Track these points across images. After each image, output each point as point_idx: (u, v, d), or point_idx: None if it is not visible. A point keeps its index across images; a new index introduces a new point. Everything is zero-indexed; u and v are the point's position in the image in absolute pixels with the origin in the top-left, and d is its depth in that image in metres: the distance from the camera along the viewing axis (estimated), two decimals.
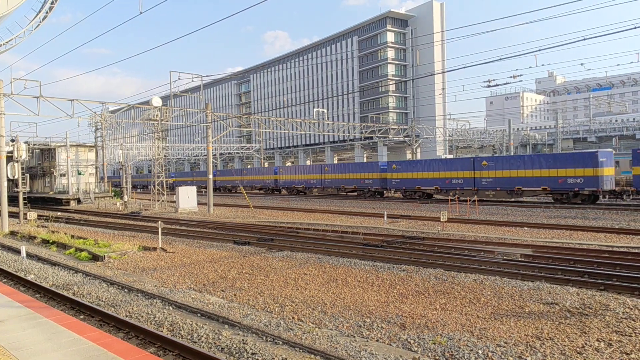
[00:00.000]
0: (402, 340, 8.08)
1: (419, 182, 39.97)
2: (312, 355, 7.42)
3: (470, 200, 32.96)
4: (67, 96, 65.76)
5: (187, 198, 36.38)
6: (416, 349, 7.72)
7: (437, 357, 7.36)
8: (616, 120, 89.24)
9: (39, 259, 17.67)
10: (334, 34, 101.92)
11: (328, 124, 60.51)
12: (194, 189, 38.20)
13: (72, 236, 21.67)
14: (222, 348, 7.84)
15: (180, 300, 10.99)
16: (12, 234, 24.93)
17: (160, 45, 35.68)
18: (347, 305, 10.24)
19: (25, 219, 29.51)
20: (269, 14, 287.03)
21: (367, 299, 10.62)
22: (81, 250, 18.10)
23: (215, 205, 37.81)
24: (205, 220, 28.54)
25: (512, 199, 34.35)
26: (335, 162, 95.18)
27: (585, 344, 7.59)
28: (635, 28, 14.84)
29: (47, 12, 32.25)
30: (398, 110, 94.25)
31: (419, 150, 64.08)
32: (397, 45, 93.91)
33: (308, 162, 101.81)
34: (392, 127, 67.94)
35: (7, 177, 28.28)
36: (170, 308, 10.47)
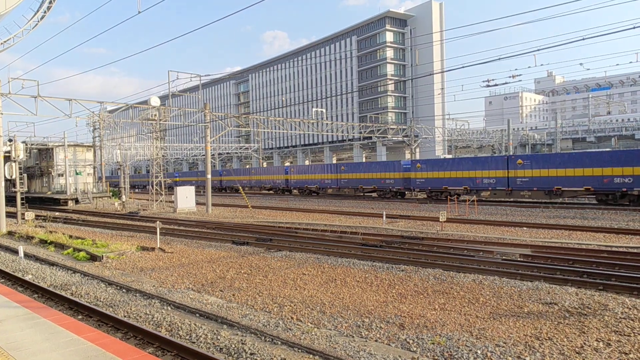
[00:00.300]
0: (401, 340, 8.06)
1: (447, 182, 37.62)
2: (311, 356, 7.40)
3: (503, 200, 31.45)
4: (65, 96, 65.70)
5: (185, 198, 36.34)
6: (415, 349, 7.70)
7: (436, 357, 7.34)
8: (616, 120, 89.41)
9: (37, 259, 17.63)
10: (333, 34, 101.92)
11: (327, 124, 60.48)
12: (192, 189, 38.15)
13: (70, 236, 21.63)
14: (220, 348, 7.82)
15: (178, 300, 10.97)
16: (10, 234, 24.87)
17: (159, 44, 35.76)
18: (346, 305, 10.23)
19: (23, 219, 29.45)
20: (267, 14, 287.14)
21: (366, 299, 10.60)
22: (79, 250, 18.06)
23: (214, 205, 37.77)
24: (204, 221, 28.51)
25: (550, 200, 32.36)
26: (334, 162, 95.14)
27: (584, 343, 7.59)
28: (634, 28, 14.85)
29: (45, 12, 32.17)
30: (397, 110, 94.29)
31: (417, 150, 64.07)
32: (396, 45, 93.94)
33: (307, 162, 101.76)
34: (391, 127, 67.96)
35: (5, 177, 28.23)
36: (169, 308, 10.45)
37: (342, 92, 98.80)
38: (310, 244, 17.98)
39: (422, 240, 18.17)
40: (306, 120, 54.98)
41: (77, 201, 43.94)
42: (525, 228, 20.88)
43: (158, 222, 20.13)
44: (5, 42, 30.82)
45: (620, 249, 15.29)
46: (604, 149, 58.59)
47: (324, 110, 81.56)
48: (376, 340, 8.17)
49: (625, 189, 29.00)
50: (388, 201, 40.12)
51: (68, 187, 44.58)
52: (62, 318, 8.71)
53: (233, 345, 7.79)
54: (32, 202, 45.42)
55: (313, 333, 8.53)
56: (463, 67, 19.10)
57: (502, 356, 7.23)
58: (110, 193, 48.83)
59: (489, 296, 10.42)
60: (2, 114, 26.09)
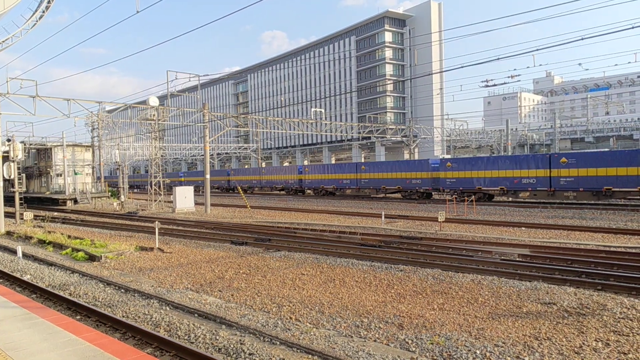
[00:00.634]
0: (399, 340, 8.06)
1: (480, 182, 35.44)
2: (310, 356, 7.40)
3: (544, 201, 29.57)
4: (63, 96, 65.61)
5: (184, 198, 36.31)
6: (414, 349, 7.70)
7: (435, 357, 7.34)
8: (614, 121, 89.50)
9: (35, 259, 17.60)
10: (332, 34, 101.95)
11: (326, 124, 60.51)
12: (191, 189, 38.13)
13: (69, 236, 21.60)
14: (219, 348, 7.81)
15: (177, 300, 10.96)
16: (9, 234, 24.84)
17: (158, 44, 35.68)
18: (345, 305, 10.22)
19: (22, 219, 29.42)
20: (266, 14, 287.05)
21: (364, 299, 10.60)
22: (78, 250, 18.04)
23: (213, 205, 37.75)
24: (203, 221, 28.50)
25: (600, 201, 30.61)
26: (333, 162, 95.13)
27: (583, 343, 7.59)
28: (633, 28, 14.87)
29: (43, 12, 32.11)
30: (396, 110, 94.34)
31: (416, 150, 64.07)
32: (394, 45, 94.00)
33: (305, 162, 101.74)
34: (390, 127, 68.00)
35: (3, 177, 28.18)
36: (168, 308, 10.44)
37: (341, 92, 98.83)
38: (309, 244, 17.97)
39: (420, 240, 18.17)
40: (305, 121, 54.97)
41: (75, 201, 43.90)
42: (523, 228, 20.89)
43: (157, 222, 20.10)
44: (3, 41, 30.75)
45: (619, 249, 15.30)
46: None
47: (323, 111, 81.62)
48: (375, 340, 8.17)
49: None
50: (387, 201, 40.10)
51: (67, 187, 44.52)
52: (61, 318, 8.70)
53: (232, 346, 7.78)
54: (31, 202, 45.36)
55: (312, 333, 8.52)
56: (462, 67, 19.11)
57: (501, 356, 7.23)
58: (109, 193, 48.79)
59: (488, 296, 10.43)
60: (0, 114, 26.04)
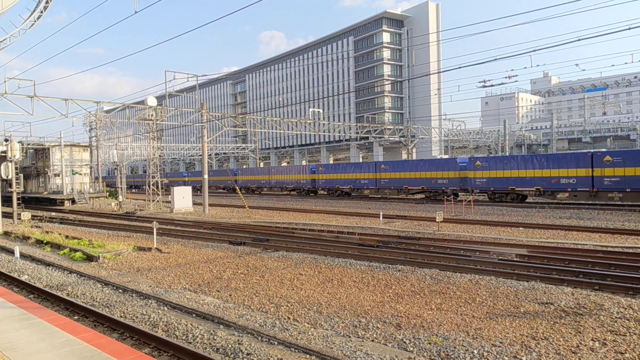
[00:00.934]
0: (397, 340, 8.07)
1: (513, 181, 33.53)
2: (308, 356, 7.40)
3: (585, 203, 28.21)
4: (61, 96, 65.48)
5: (182, 198, 36.29)
6: (412, 349, 7.71)
7: (433, 357, 7.36)
8: (613, 120, 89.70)
9: (33, 259, 17.57)
10: (330, 34, 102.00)
11: (324, 124, 60.52)
12: (189, 189, 38.10)
13: (67, 236, 21.57)
14: (217, 348, 7.81)
15: (175, 300, 10.95)
16: (6, 234, 24.79)
17: (156, 44, 35.67)
18: (343, 305, 10.23)
19: (19, 219, 29.35)
20: (265, 14, 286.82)
21: (362, 299, 10.61)
22: (75, 250, 18.01)
23: (210, 205, 37.73)
24: (201, 221, 28.48)
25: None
26: (331, 162, 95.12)
27: (580, 343, 7.61)
28: (629, 29, 14.91)
29: (41, 12, 32.01)
30: (394, 111, 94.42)
31: (414, 150, 64.14)
32: (392, 46, 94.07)
33: (304, 162, 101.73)
34: (388, 127, 68.00)
35: (1, 177, 28.13)
36: (165, 308, 10.43)
37: (339, 93, 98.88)
38: (307, 244, 17.97)
39: (418, 240, 18.19)
40: (303, 121, 54.96)
41: (73, 201, 43.82)
42: (521, 228, 20.93)
43: (155, 222, 20.08)
44: (1, 41, 30.68)
45: (616, 249, 15.34)
46: None
47: (321, 111, 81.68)
48: (373, 340, 8.18)
49: None
50: (385, 201, 40.10)
51: (64, 187, 44.44)
52: (58, 318, 8.69)
53: (230, 346, 7.79)
54: (29, 202, 45.28)
55: (310, 333, 8.53)
56: (459, 67, 19.15)
57: (498, 356, 7.24)
58: (107, 193, 48.72)
59: (486, 296, 10.45)
60: None
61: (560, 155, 34.66)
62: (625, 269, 12.41)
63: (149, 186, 39.75)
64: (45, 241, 20.73)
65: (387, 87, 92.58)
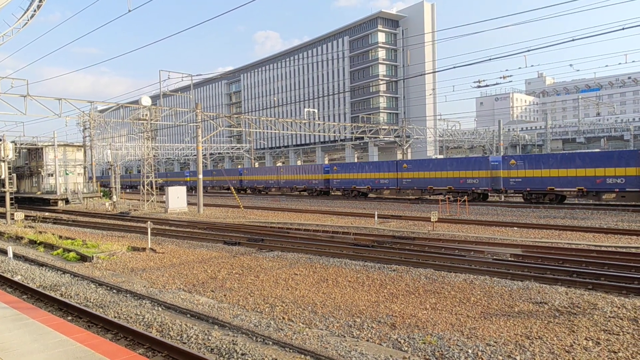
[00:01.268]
0: (392, 340, 8.08)
1: (553, 181, 31.46)
2: (302, 356, 7.39)
3: (634, 204, 26.95)
4: (54, 95, 65.11)
5: (176, 198, 36.18)
6: (406, 348, 7.72)
7: (428, 357, 7.36)
8: (607, 120, 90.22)
9: (26, 259, 17.46)
10: (325, 34, 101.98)
11: (319, 124, 60.47)
12: (183, 189, 38.00)
13: (60, 237, 21.46)
14: (211, 349, 7.79)
15: (169, 300, 10.91)
16: None
17: (150, 44, 35.53)
18: (338, 305, 10.23)
19: (12, 219, 29.18)
20: (260, 14, 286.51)
21: (357, 299, 10.61)
22: (69, 250, 17.91)
23: (205, 205, 37.64)
24: (195, 221, 28.40)
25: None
26: (326, 162, 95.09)
27: (574, 342, 7.64)
28: (623, 29, 15.00)
29: (35, 10, 31.86)
30: (389, 111, 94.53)
31: (409, 150, 64.19)
32: (388, 46, 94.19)
33: (299, 162, 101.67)
34: (383, 127, 68.09)
35: None
36: (160, 309, 10.39)
37: (334, 93, 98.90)
38: (302, 244, 17.96)
39: (413, 240, 18.22)
40: (298, 121, 54.92)
41: (67, 201, 43.60)
42: (516, 228, 21.00)
43: (149, 222, 20.01)
44: None
45: (609, 249, 15.43)
46: None
47: (316, 111, 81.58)
48: (367, 340, 8.18)
49: None
50: (380, 201, 40.11)
51: (58, 187, 44.22)
52: (52, 319, 8.63)
53: (224, 346, 7.76)
54: (22, 202, 45.00)
55: (304, 333, 8.52)
56: (454, 67, 19.18)
57: (492, 355, 7.26)
58: (101, 193, 48.51)
59: (480, 296, 10.47)
60: None
61: (606, 154, 32.96)
62: (619, 268, 12.48)
63: (143, 186, 39.60)
64: (38, 241, 20.62)
65: (382, 87, 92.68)
